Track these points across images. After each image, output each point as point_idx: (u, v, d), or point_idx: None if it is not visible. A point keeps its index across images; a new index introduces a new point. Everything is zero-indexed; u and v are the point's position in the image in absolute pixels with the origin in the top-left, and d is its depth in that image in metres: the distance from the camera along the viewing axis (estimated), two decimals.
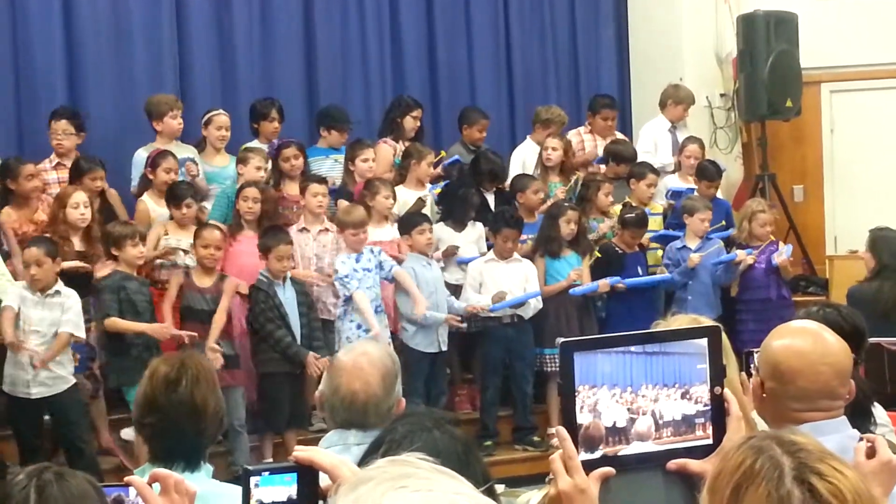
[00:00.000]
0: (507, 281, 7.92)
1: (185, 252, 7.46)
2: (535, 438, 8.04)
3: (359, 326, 7.50)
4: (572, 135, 9.61)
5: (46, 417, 6.84)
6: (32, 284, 6.65)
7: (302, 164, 8.15)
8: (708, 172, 9.16)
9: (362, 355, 3.26)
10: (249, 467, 1.89)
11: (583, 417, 2.07)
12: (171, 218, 7.55)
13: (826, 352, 2.70)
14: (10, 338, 6.60)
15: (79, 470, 2.39)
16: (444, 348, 7.84)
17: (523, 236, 8.25)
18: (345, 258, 7.56)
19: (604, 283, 8.10)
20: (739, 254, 8.46)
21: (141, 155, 7.99)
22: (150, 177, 7.74)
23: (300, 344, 7.31)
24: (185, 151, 8.05)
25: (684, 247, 8.51)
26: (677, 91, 9.80)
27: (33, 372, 6.63)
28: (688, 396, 2.13)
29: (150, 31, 8.78)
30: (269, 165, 8.12)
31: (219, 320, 7.15)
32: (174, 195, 7.53)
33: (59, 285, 6.73)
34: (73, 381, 6.80)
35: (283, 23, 9.38)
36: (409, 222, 7.86)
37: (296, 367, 7.30)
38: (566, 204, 8.38)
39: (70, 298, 6.74)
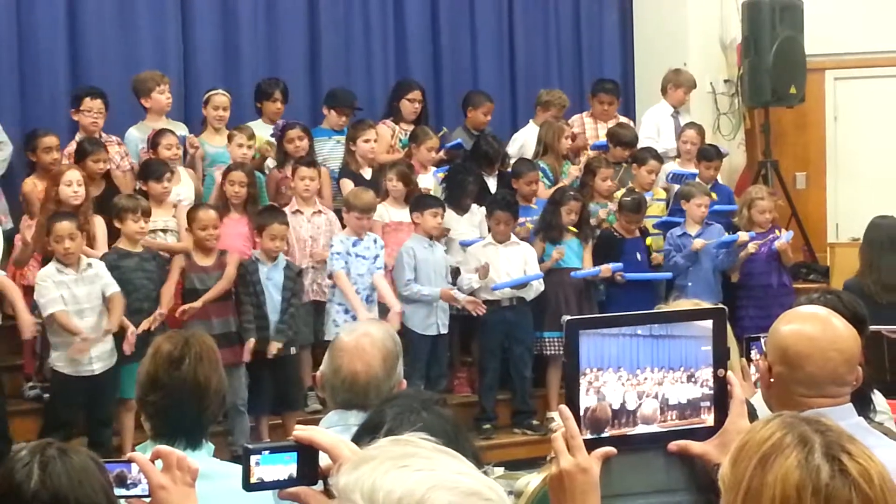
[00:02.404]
0: (506, 264, 7.93)
1: (165, 231, 7.46)
2: (534, 422, 8.06)
3: (346, 311, 7.50)
4: (574, 120, 9.61)
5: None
6: (66, 258, 6.64)
7: (307, 146, 8.13)
8: (707, 153, 9.17)
9: (364, 336, 3.26)
10: (250, 446, 1.89)
11: (589, 400, 2.07)
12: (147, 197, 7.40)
13: (836, 338, 2.69)
14: (83, 332, 6.61)
15: (104, 443, 2.39)
16: (444, 331, 7.85)
17: (522, 219, 8.26)
18: (343, 238, 7.57)
19: (605, 269, 8.10)
20: (741, 235, 8.45)
21: (132, 134, 8.01)
22: (152, 156, 7.73)
23: (273, 326, 7.30)
24: (178, 129, 8.03)
25: (684, 233, 8.51)
26: (678, 75, 9.79)
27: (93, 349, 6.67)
28: (693, 380, 2.13)
29: (154, 11, 8.77)
30: (255, 144, 8.08)
31: (221, 286, 7.19)
32: (151, 171, 7.47)
33: (84, 257, 6.76)
34: (116, 355, 6.84)
35: (288, 4, 9.36)
36: (423, 203, 7.85)
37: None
38: (570, 192, 8.38)
39: (100, 266, 6.79)
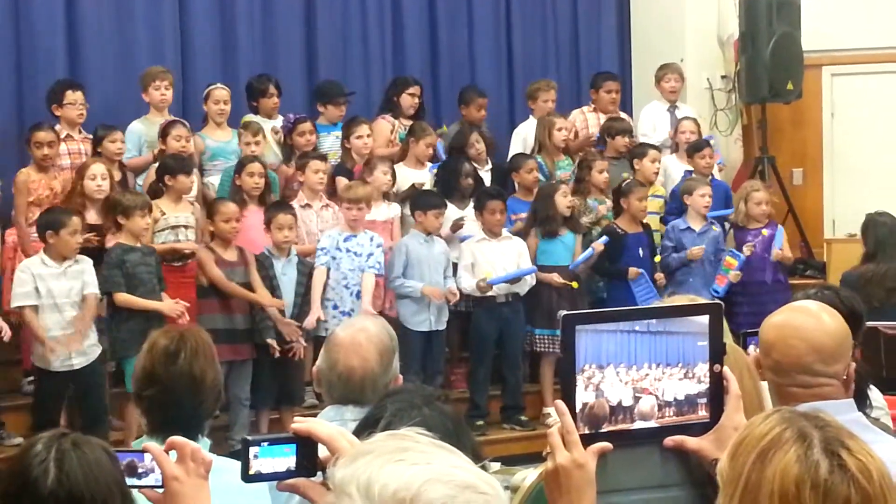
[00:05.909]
0: (499, 259, 7.92)
1: (186, 227, 7.42)
2: (523, 418, 8.05)
3: (335, 307, 7.51)
4: (576, 114, 9.61)
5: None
6: (70, 253, 6.63)
7: (315, 140, 8.16)
8: (697, 145, 9.17)
9: (360, 331, 3.26)
10: (249, 438, 1.89)
11: (587, 396, 2.07)
12: (163, 193, 7.38)
13: (802, 327, 2.67)
14: (45, 338, 6.61)
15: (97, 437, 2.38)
16: (440, 327, 7.84)
17: (521, 215, 8.26)
18: (332, 232, 7.58)
19: (597, 245, 8.09)
20: (746, 249, 8.41)
21: (136, 127, 7.98)
22: (163, 147, 7.68)
23: (290, 320, 7.31)
24: None
25: (688, 228, 8.50)
26: (661, 70, 9.84)
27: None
28: (690, 376, 2.13)
29: (152, 6, 8.77)
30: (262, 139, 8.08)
31: (262, 291, 7.21)
32: (181, 166, 7.41)
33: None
34: (101, 348, 6.83)
35: None
36: (427, 202, 7.85)
37: (282, 342, 7.30)
38: (559, 182, 8.40)
39: (87, 263, 6.77)
